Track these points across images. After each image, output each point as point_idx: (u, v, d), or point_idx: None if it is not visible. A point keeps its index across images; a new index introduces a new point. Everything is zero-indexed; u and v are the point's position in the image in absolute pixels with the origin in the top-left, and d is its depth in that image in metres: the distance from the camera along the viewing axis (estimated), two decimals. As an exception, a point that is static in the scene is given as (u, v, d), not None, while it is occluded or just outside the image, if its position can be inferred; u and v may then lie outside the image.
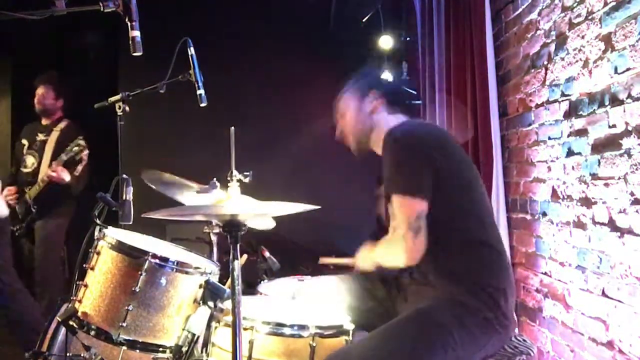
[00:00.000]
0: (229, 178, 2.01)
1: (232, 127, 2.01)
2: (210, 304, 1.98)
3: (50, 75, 4.25)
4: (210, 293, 2.00)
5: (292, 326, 1.85)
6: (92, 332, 2.00)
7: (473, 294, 1.82)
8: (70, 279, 2.13)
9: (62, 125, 4.16)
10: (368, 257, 2.03)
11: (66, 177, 3.87)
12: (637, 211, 2.00)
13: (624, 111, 2.06)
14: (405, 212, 1.83)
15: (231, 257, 1.58)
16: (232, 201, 1.96)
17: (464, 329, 1.78)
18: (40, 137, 4.15)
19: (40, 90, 4.17)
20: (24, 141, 4.21)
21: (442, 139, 2.01)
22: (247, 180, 2.07)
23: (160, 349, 2.03)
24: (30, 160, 4.11)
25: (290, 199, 1.67)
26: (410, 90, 4.51)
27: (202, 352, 2.07)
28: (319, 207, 1.64)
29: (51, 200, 3.96)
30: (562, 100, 2.55)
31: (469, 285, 1.83)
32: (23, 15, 1.50)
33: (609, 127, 2.16)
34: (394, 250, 1.87)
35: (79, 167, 3.93)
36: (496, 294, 1.83)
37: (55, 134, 4.11)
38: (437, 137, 2.01)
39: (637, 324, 2.01)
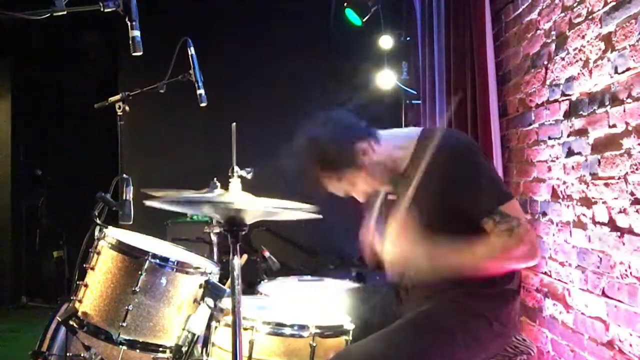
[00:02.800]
0: (230, 174, 2.00)
1: (234, 123, 2.01)
2: (210, 303, 1.98)
3: None
4: (210, 293, 2.00)
5: (292, 326, 1.85)
6: (92, 332, 2.00)
7: (476, 296, 1.81)
8: (70, 279, 2.13)
9: None
10: (484, 255, 1.78)
11: None
12: (637, 211, 2.00)
13: (624, 111, 2.06)
14: (518, 213, 1.78)
15: (231, 257, 1.58)
16: (234, 199, 1.96)
17: (467, 332, 1.78)
18: None
19: None
20: None
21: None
22: (249, 176, 2.06)
23: (160, 349, 2.03)
24: None
25: (291, 198, 1.67)
26: (411, 90, 4.51)
27: (202, 352, 2.07)
28: (318, 209, 1.64)
29: None
30: (562, 100, 2.55)
31: (472, 288, 1.82)
32: (23, 15, 1.50)
33: (609, 127, 2.16)
34: (524, 247, 1.75)
35: None
36: (500, 297, 1.83)
37: None
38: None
39: (637, 324, 2.01)
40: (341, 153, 1.87)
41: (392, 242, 1.95)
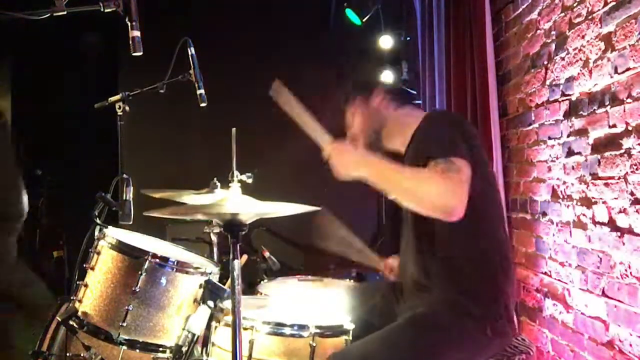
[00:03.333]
0: (230, 178, 2.01)
1: (234, 129, 2.01)
2: (210, 303, 1.98)
3: None
4: (210, 293, 2.00)
5: (292, 326, 1.85)
6: (92, 332, 2.00)
7: (476, 299, 1.81)
8: (70, 279, 2.13)
9: None
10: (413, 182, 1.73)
11: None
12: (637, 211, 2.00)
13: (624, 111, 2.06)
14: (464, 169, 1.70)
15: (231, 257, 1.58)
16: (233, 201, 1.96)
17: (466, 333, 1.78)
18: None
19: None
20: None
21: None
22: (249, 180, 2.07)
23: (160, 349, 2.03)
24: None
25: (291, 200, 1.67)
26: (410, 90, 4.51)
27: (202, 352, 2.07)
28: (319, 208, 1.64)
29: None
30: (562, 100, 2.55)
31: (472, 290, 1.82)
32: (23, 15, 1.50)
33: (609, 127, 2.16)
34: (445, 186, 1.67)
35: None
36: (499, 299, 1.83)
37: None
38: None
39: (637, 324, 2.01)
40: (359, 85, 2.12)
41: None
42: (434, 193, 1.66)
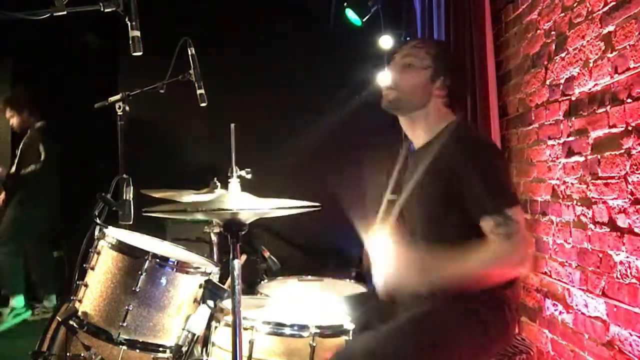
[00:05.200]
0: (229, 175, 2.00)
1: (233, 124, 2.01)
2: (210, 303, 1.98)
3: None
4: (210, 293, 2.00)
5: (292, 326, 1.85)
6: (92, 332, 2.00)
7: (479, 300, 1.80)
8: (70, 279, 2.13)
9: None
10: (476, 264, 1.74)
11: None
12: (637, 211, 2.00)
13: (624, 111, 2.06)
14: (521, 219, 1.75)
15: (231, 257, 1.58)
16: (233, 200, 1.96)
17: (469, 334, 1.78)
18: None
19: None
20: None
21: None
22: (248, 176, 2.06)
23: (160, 349, 2.03)
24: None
25: (291, 198, 1.67)
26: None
27: (202, 352, 2.07)
28: (319, 206, 1.64)
29: None
30: (562, 100, 2.55)
31: (475, 291, 1.81)
32: (23, 15, 1.50)
33: (609, 127, 2.16)
34: (517, 255, 1.73)
35: None
36: (502, 303, 1.82)
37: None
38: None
39: (637, 324, 2.01)
40: (443, 60, 1.99)
41: (384, 257, 1.95)
42: (508, 264, 1.75)
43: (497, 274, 1.76)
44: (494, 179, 1.80)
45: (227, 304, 1.96)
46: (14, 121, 4.69)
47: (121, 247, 2.07)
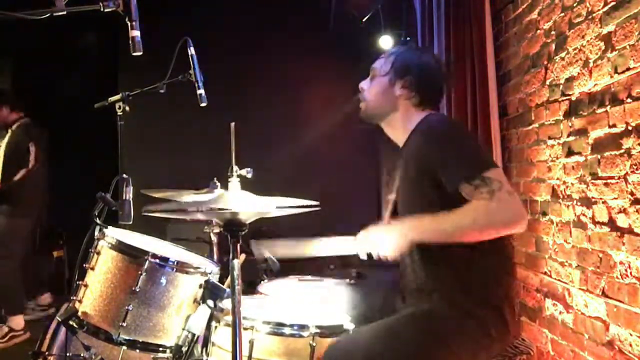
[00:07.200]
0: (229, 174, 2.00)
1: (232, 123, 2.01)
2: (210, 303, 1.98)
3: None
4: (210, 293, 2.00)
5: (292, 326, 1.85)
6: (92, 332, 2.00)
7: (479, 300, 1.80)
8: (70, 279, 2.13)
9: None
10: (466, 219, 1.70)
11: None
12: (637, 211, 2.00)
13: (624, 111, 2.06)
14: (502, 179, 1.70)
15: (231, 257, 1.58)
16: (233, 200, 1.96)
17: (469, 334, 1.77)
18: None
19: None
20: None
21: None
22: (249, 175, 2.06)
23: (160, 349, 2.03)
24: None
25: (291, 196, 1.67)
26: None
27: (202, 352, 2.07)
28: (318, 204, 1.64)
29: None
30: (562, 100, 2.55)
31: (475, 292, 1.81)
32: (23, 15, 1.50)
33: (609, 127, 2.16)
34: (506, 209, 1.68)
35: None
36: (501, 303, 1.82)
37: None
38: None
39: (637, 324, 2.01)
40: (401, 59, 2.02)
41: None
42: (494, 219, 1.68)
43: (485, 231, 1.70)
44: (462, 150, 1.80)
45: (227, 304, 1.96)
46: None
47: (121, 247, 2.06)
